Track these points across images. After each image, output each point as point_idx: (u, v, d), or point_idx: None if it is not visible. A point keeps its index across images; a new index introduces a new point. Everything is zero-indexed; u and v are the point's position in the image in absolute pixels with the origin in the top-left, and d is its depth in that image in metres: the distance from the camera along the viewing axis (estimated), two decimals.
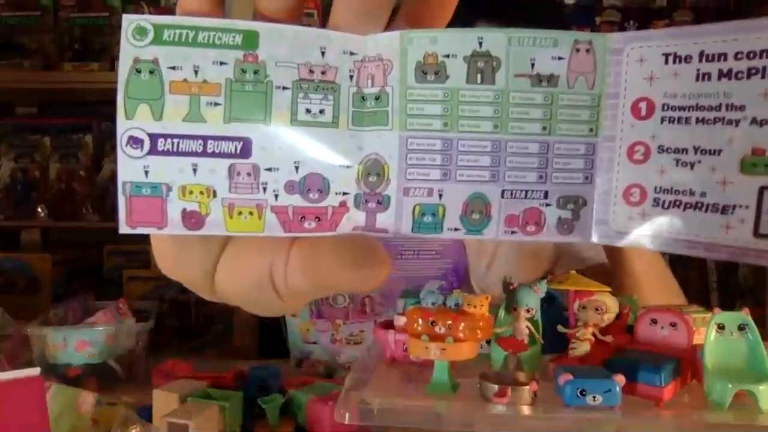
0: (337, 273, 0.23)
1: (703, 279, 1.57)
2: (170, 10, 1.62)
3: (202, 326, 1.41)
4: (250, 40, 0.23)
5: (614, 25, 1.67)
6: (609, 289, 0.45)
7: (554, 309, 0.48)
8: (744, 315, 0.40)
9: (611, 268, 0.78)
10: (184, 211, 0.23)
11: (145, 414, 0.68)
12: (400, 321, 0.45)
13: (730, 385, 0.37)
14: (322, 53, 0.24)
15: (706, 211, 0.23)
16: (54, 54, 1.61)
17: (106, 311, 0.96)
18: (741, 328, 0.40)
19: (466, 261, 0.96)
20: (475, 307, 0.39)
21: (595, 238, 0.25)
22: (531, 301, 0.43)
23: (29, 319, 0.95)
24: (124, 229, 0.23)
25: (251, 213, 0.24)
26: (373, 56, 0.24)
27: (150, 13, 1.60)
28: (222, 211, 0.23)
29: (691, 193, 0.23)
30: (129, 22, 0.23)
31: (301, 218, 0.24)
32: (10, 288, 1.52)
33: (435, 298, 0.41)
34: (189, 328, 1.39)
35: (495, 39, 0.24)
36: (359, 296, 0.94)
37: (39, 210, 1.62)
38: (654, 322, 0.43)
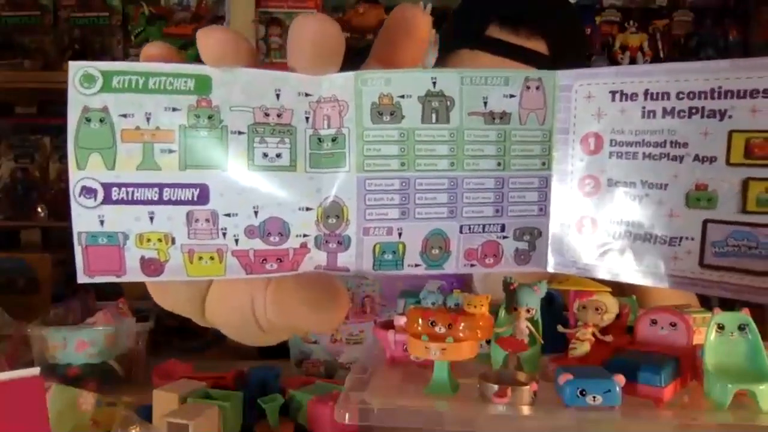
0: (299, 313, 0.24)
1: None
2: (170, 10, 1.62)
3: (202, 326, 1.40)
4: (203, 84, 0.23)
5: (614, 24, 1.67)
6: (609, 290, 0.45)
7: (554, 309, 0.48)
8: (744, 315, 0.40)
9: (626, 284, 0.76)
10: (142, 258, 0.23)
11: (145, 414, 0.67)
12: (400, 321, 0.45)
13: (730, 385, 0.37)
14: (277, 95, 0.24)
15: (654, 242, 0.24)
16: (54, 54, 1.61)
17: (106, 311, 0.96)
18: (741, 328, 0.40)
19: None
20: (475, 307, 0.39)
21: (551, 268, 0.26)
22: (531, 301, 0.43)
23: (29, 319, 0.95)
24: (82, 278, 0.23)
25: (212, 258, 0.24)
26: (328, 97, 0.24)
27: (150, 13, 1.60)
28: (182, 257, 0.23)
29: (640, 225, 0.24)
30: (76, 69, 0.22)
31: (263, 260, 0.24)
32: (10, 288, 1.52)
33: (435, 298, 0.41)
34: (189, 328, 1.39)
35: (448, 79, 0.24)
36: (359, 296, 0.94)
37: (39, 210, 1.62)
38: (654, 322, 0.43)
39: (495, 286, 0.45)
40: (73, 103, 0.22)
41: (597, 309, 0.44)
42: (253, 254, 0.24)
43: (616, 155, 0.24)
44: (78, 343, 0.89)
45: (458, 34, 0.85)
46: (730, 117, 0.22)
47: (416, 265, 0.25)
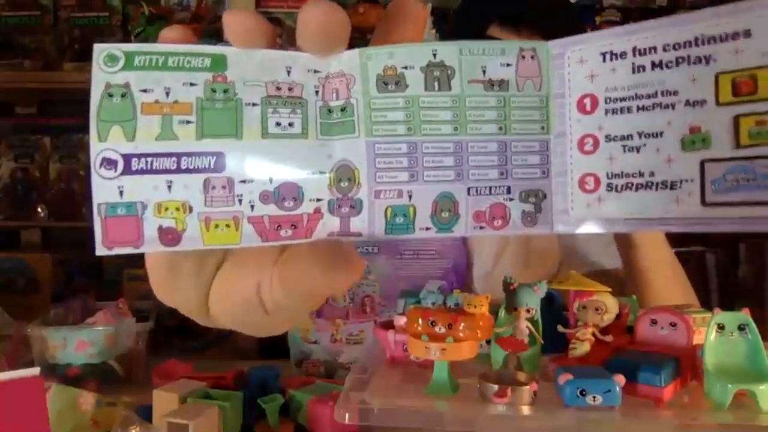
0: (311, 278, 0.24)
1: (703, 279, 1.57)
2: (170, 10, 1.62)
3: (202, 326, 1.40)
4: (219, 63, 0.24)
5: (614, 24, 1.67)
6: (609, 290, 0.45)
7: (554, 309, 0.48)
8: (744, 315, 0.40)
9: (627, 280, 0.77)
10: (160, 228, 0.24)
11: (145, 414, 0.67)
12: (400, 321, 0.45)
13: (730, 385, 0.37)
14: (288, 72, 0.25)
15: (656, 189, 0.25)
16: (54, 54, 1.61)
17: (106, 311, 0.96)
18: (741, 328, 0.40)
19: (466, 261, 0.95)
20: (475, 307, 0.39)
21: (558, 228, 0.27)
22: (531, 301, 0.43)
23: (29, 319, 0.95)
24: (100, 250, 0.23)
25: (228, 225, 0.24)
26: (336, 73, 0.26)
27: (150, 13, 1.60)
28: (198, 226, 0.24)
29: (641, 174, 0.25)
30: (100, 50, 0.23)
31: (278, 227, 0.25)
32: (10, 288, 1.52)
33: (435, 298, 0.41)
34: (189, 328, 1.39)
35: (447, 50, 0.26)
36: (359, 296, 0.94)
37: (39, 210, 1.62)
38: (654, 322, 0.43)
39: (495, 287, 0.45)
40: (97, 80, 0.23)
41: (597, 309, 0.44)
42: (268, 220, 0.25)
43: (612, 112, 0.26)
44: (78, 343, 0.90)
45: (458, 34, 0.85)
46: (715, 60, 0.23)
47: (427, 228, 0.26)
